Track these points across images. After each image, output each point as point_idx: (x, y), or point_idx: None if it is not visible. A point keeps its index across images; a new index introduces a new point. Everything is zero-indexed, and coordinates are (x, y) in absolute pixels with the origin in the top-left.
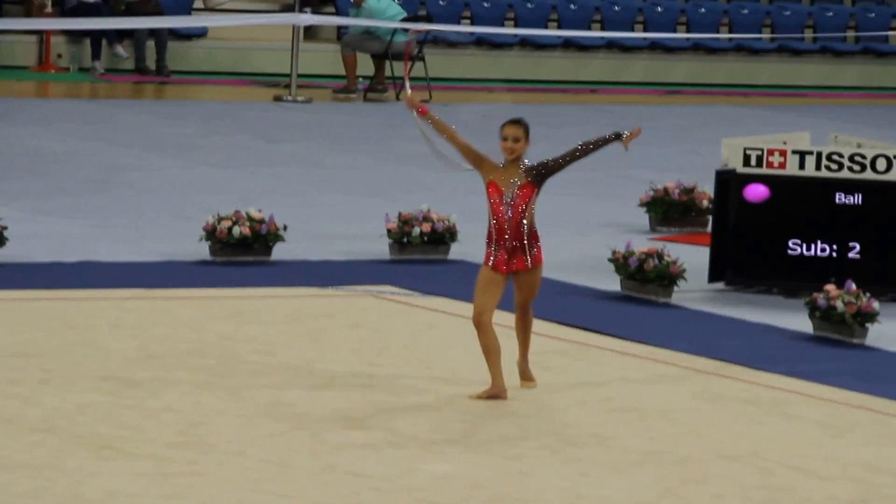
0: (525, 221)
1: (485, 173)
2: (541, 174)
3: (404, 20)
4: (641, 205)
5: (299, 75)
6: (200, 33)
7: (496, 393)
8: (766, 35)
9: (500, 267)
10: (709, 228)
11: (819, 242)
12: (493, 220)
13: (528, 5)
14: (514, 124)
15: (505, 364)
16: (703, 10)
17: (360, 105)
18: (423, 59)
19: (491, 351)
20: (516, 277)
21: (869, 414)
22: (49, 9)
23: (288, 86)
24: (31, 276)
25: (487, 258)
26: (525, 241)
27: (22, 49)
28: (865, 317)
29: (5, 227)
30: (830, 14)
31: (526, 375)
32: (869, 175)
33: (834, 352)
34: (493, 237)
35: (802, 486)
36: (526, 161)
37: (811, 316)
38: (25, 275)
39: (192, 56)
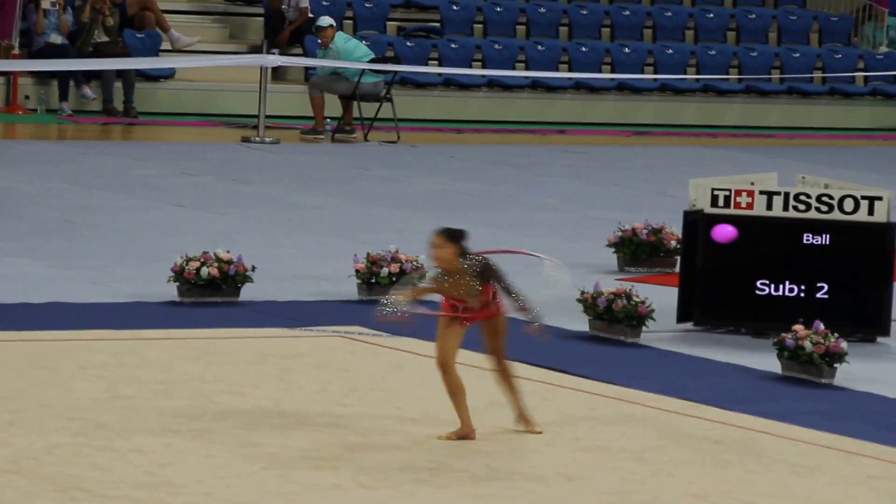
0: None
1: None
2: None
3: (372, 61)
4: (609, 245)
5: (267, 116)
6: (168, 74)
7: (465, 433)
8: (733, 76)
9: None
10: (677, 269)
11: (787, 283)
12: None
13: (496, 46)
14: (435, 235)
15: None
16: (670, 51)
17: (327, 146)
18: (390, 100)
19: (457, 392)
20: (485, 325)
21: (837, 454)
22: (16, 50)
23: (256, 127)
24: None
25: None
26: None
27: None
28: (833, 357)
29: None
30: (797, 55)
31: (526, 421)
32: (836, 215)
33: (802, 391)
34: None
35: None
36: (469, 260)
37: (779, 356)
38: None
39: (160, 97)
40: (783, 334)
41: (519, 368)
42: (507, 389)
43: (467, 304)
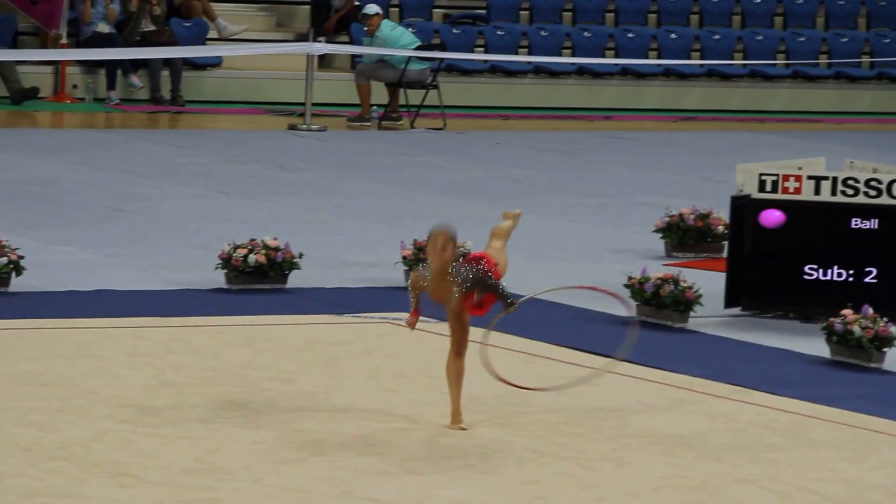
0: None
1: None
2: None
3: (418, 48)
4: (657, 231)
5: (313, 104)
6: (215, 63)
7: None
8: (780, 61)
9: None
10: (724, 254)
11: (835, 267)
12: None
13: (542, 33)
14: (438, 233)
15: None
16: (717, 36)
17: (374, 133)
18: (437, 87)
19: (461, 377)
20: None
21: (887, 438)
22: (64, 40)
23: (302, 114)
24: (47, 305)
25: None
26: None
27: (38, 80)
28: (882, 341)
29: (22, 257)
30: (845, 40)
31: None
32: (885, 200)
33: (851, 376)
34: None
35: None
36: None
37: (828, 341)
38: (41, 304)
39: (207, 85)
40: (831, 319)
41: (566, 354)
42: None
43: (443, 303)
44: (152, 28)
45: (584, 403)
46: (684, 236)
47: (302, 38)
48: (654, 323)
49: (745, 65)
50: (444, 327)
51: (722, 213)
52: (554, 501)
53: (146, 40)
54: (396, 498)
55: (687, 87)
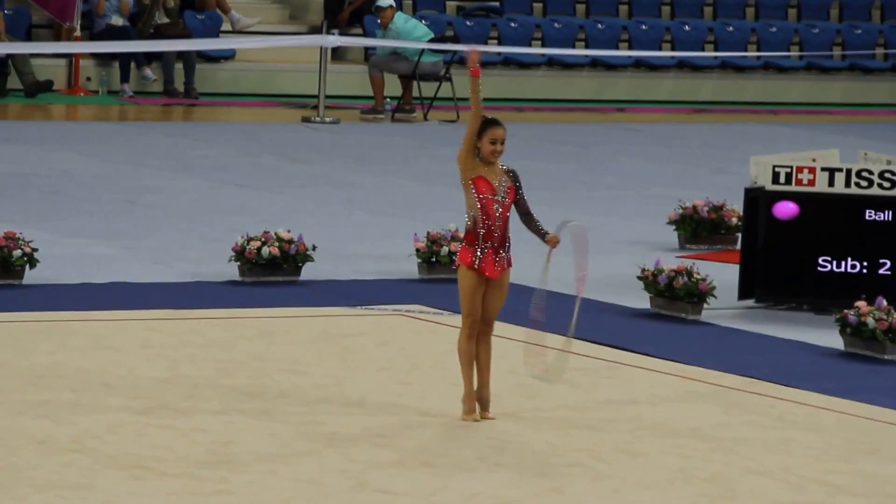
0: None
1: (471, 168)
2: (518, 183)
3: (431, 41)
4: (670, 223)
5: (327, 96)
6: (228, 55)
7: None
8: (794, 53)
9: (487, 270)
10: (738, 246)
11: (849, 259)
12: (484, 217)
13: (556, 25)
14: (501, 127)
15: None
16: (731, 28)
17: (387, 125)
18: (450, 79)
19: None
20: (492, 283)
21: None
22: (78, 32)
23: (315, 107)
24: (61, 298)
25: (471, 261)
26: (509, 242)
27: (51, 72)
28: None
29: (35, 249)
30: (859, 31)
31: (487, 406)
32: None
33: (865, 368)
34: (478, 237)
35: (834, 503)
36: (502, 164)
37: (842, 332)
38: (55, 296)
39: (221, 78)
40: (845, 311)
41: (580, 346)
42: (485, 366)
43: (496, 196)
44: (166, 21)
45: (597, 396)
46: (698, 228)
47: (315, 30)
48: (667, 315)
49: (758, 57)
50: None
51: (735, 205)
52: (568, 494)
53: (160, 33)
54: (410, 490)
55: (700, 79)
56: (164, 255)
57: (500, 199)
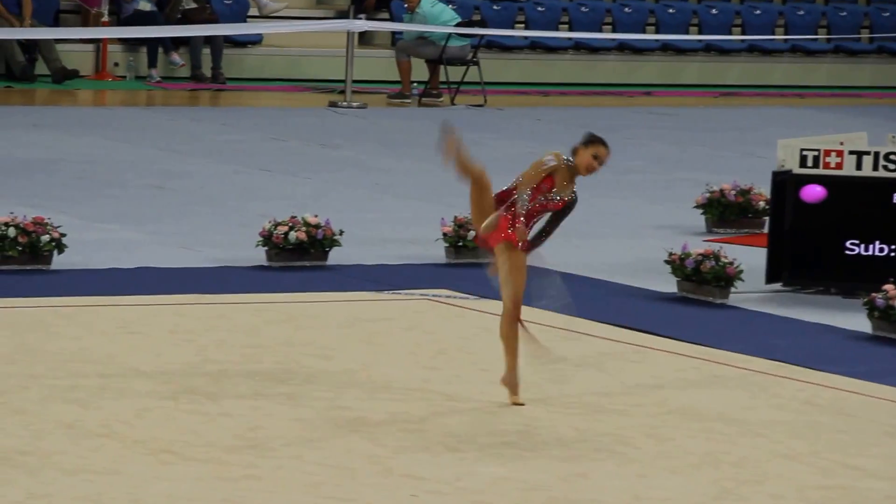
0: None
1: (556, 170)
2: (571, 209)
3: (458, 25)
4: (697, 206)
5: (354, 81)
6: (256, 40)
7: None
8: (821, 36)
9: (521, 244)
10: (765, 230)
11: (877, 242)
12: (530, 203)
13: (583, 9)
14: (608, 149)
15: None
16: (757, 11)
17: (414, 110)
18: (477, 63)
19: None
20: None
21: None
22: (105, 18)
23: (343, 91)
24: (89, 283)
25: (524, 243)
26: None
27: (79, 58)
28: None
29: (63, 234)
30: (886, 14)
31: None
32: None
33: (892, 351)
34: (514, 216)
35: (862, 486)
36: (576, 189)
37: (869, 316)
38: (83, 281)
39: (248, 63)
40: (873, 294)
41: (606, 330)
42: (514, 349)
43: (550, 193)
44: (193, 6)
45: (624, 380)
46: (725, 212)
47: (342, 15)
48: (694, 299)
49: (786, 40)
50: (484, 304)
51: (763, 189)
52: (594, 478)
53: (187, 18)
54: (436, 475)
55: (728, 63)
56: (191, 239)
57: (550, 198)
